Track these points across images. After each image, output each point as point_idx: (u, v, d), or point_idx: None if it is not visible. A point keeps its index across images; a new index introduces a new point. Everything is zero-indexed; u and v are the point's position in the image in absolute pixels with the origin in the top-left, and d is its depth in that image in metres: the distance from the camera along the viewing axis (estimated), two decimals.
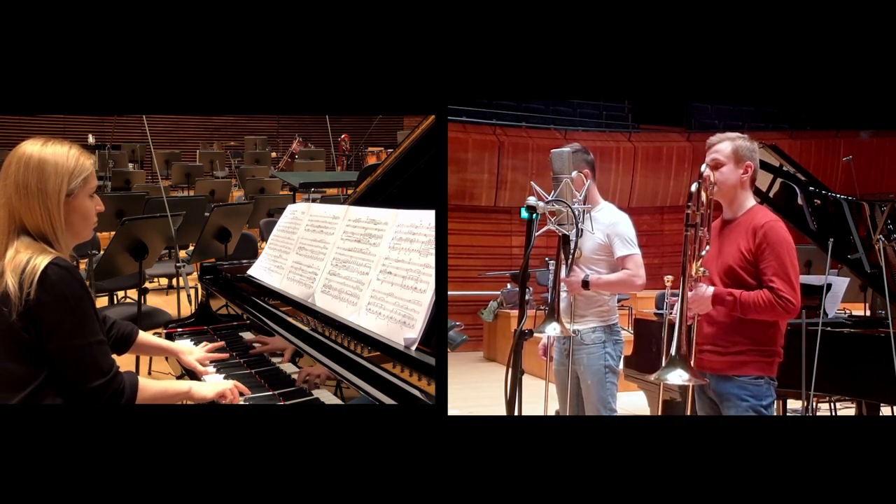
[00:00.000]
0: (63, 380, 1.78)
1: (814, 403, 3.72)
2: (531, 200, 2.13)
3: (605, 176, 9.27)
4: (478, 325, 8.27)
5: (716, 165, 2.32)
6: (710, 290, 2.22)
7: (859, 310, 4.01)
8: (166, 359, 2.56)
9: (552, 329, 2.38)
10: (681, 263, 2.12)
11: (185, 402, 2.06)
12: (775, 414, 2.63)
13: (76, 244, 1.90)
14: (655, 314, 4.51)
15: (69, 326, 1.73)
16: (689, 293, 2.16)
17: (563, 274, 2.69)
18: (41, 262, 1.71)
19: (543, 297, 2.62)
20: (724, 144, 2.35)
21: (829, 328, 3.37)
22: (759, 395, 2.25)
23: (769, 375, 2.29)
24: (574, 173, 2.31)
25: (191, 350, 2.42)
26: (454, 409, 4.67)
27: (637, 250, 2.83)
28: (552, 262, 2.62)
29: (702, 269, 2.17)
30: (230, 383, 2.09)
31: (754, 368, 2.26)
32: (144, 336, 2.33)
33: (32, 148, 1.80)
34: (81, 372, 1.77)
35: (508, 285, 8.20)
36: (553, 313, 2.40)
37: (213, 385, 2.09)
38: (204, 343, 2.52)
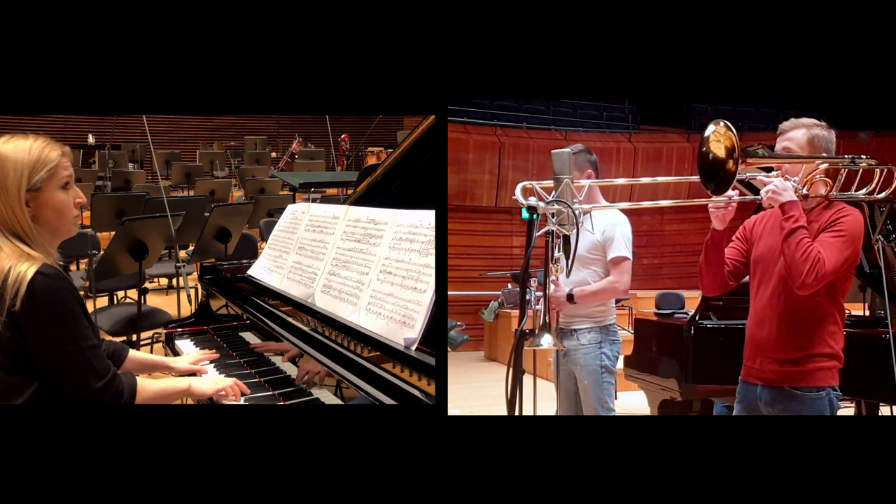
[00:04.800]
0: (58, 389, 1.74)
1: None
2: (532, 201, 2.12)
3: (606, 176, 9.22)
4: (479, 325, 8.26)
5: None
6: (794, 197, 1.93)
7: (858, 310, 4.00)
8: None
9: (546, 341, 2.36)
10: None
11: (185, 400, 2.05)
12: None
13: (59, 241, 1.83)
14: (656, 314, 4.51)
15: (58, 335, 1.69)
16: (776, 181, 1.94)
17: (558, 279, 2.69)
18: (26, 271, 1.66)
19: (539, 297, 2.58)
20: (799, 133, 2.02)
21: None
22: (820, 410, 1.97)
23: (832, 385, 1.99)
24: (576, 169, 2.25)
25: (182, 357, 2.40)
26: (454, 409, 4.67)
27: (630, 255, 2.84)
28: (539, 272, 2.58)
29: None
30: (230, 380, 2.08)
31: (815, 378, 1.98)
32: (134, 354, 2.26)
33: None
34: (78, 379, 1.73)
35: (509, 285, 8.20)
36: (546, 326, 2.39)
37: (214, 381, 2.07)
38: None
